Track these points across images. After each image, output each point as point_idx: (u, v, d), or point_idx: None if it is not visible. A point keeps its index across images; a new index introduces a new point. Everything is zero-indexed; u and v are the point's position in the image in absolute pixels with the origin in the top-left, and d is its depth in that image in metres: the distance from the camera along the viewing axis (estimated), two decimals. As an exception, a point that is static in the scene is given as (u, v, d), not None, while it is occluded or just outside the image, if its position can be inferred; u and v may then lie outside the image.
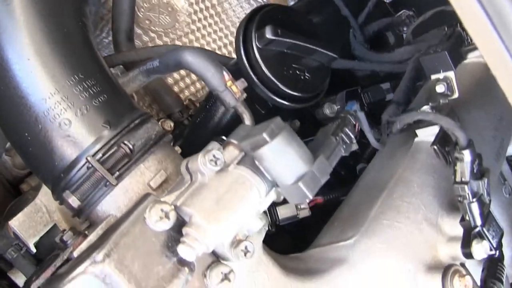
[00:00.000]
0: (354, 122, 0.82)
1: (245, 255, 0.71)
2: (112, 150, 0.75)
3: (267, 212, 1.15)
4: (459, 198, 0.83)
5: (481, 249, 0.85)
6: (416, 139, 1.03)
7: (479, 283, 0.92)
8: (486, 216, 0.87)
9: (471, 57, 1.19)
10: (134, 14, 1.08)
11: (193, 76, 1.32)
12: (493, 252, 0.88)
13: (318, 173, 0.70)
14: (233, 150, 0.75)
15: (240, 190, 0.71)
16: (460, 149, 0.81)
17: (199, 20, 1.42)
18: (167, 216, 0.68)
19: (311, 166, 0.70)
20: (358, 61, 1.23)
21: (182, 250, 0.67)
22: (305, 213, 1.13)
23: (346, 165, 1.30)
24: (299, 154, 0.70)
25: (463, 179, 0.82)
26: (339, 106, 1.31)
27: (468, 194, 0.81)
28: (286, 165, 0.70)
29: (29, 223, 0.91)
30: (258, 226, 0.81)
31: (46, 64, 0.76)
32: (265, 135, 0.69)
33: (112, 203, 0.77)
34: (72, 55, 0.79)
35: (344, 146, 0.78)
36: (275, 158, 0.69)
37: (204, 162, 0.71)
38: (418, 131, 1.02)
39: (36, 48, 0.76)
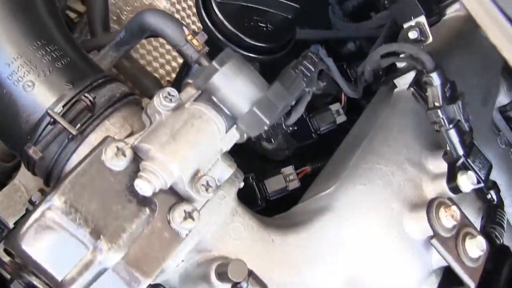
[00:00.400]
0: (316, 60, 0.81)
1: (206, 190, 0.69)
2: (74, 104, 0.75)
3: (256, 188, 1.13)
4: (436, 127, 0.80)
5: (467, 181, 0.80)
6: (395, 90, 1.01)
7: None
8: (470, 147, 0.83)
9: (450, 12, 1.17)
10: (108, 4, 1.12)
11: (167, 56, 1.34)
12: (481, 184, 0.84)
13: (273, 98, 0.69)
14: (190, 90, 0.74)
15: (196, 124, 0.70)
16: (428, 72, 0.78)
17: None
18: (123, 153, 0.67)
19: (265, 91, 0.69)
20: (335, 30, 1.23)
21: (139, 184, 0.65)
22: (294, 184, 1.10)
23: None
24: (251, 79, 0.69)
25: (435, 104, 0.78)
26: (324, 83, 1.29)
27: (443, 119, 0.78)
28: (239, 91, 0.69)
29: (8, 203, 0.91)
30: (227, 173, 0.79)
31: (8, 30, 0.79)
32: (214, 63, 0.68)
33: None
34: (35, 22, 0.81)
35: (305, 79, 0.76)
36: (227, 85, 0.68)
37: (159, 101, 0.71)
38: (396, 81, 1.00)
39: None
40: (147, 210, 0.68)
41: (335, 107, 1.24)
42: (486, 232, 0.88)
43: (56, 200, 0.64)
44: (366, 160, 0.87)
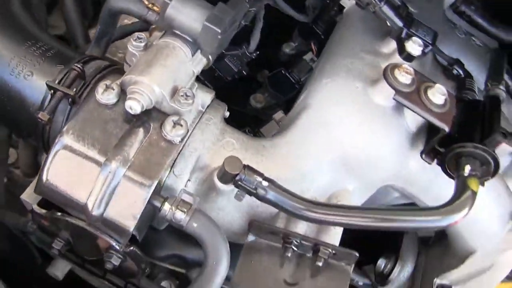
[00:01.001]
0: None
1: (186, 99, 0.81)
2: (67, 74, 0.89)
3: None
4: (371, 9, 0.91)
5: (414, 45, 0.90)
6: (344, 10, 1.13)
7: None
8: (410, 20, 0.94)
9: None
10: (82, 20, 1.30)
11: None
12: (429, 47, 0.93)
13: (219, 13, 0.82)
14: (155, 33, 0.88)
15: (165, 52, 0.83)
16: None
17: None
18: (110, 87, 0.80)
19: (212, 11, 0.83)
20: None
21: (129, 104, 0.78)
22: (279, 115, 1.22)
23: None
24: (198, 4, 0.83)
25: (362, -10, 0.90)
26: (296, 44, 1.43)
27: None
28: (190, 15, 0.83)
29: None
30: (207, 98, 0.91)
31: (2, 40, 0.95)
32: (165, 0, 0.83)
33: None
34: (20, 29, 0.98)
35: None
36: (179, 14, 0.82)
37: (132, 45, 0.85)
38: (342, 2, 1.13)
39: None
40: (141, 127, 0.80)
41: (308, 56, 1.36)
42: (459, 98, 0.96)
43: (65, 136, 0.77)
44: (328, 62, 0.99)
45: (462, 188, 0.80)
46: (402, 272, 1.19)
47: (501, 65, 1.04)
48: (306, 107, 0.93)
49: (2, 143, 1.18)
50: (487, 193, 0.99)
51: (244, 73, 1.14)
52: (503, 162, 1.02)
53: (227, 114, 0.96)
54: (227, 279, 0.84)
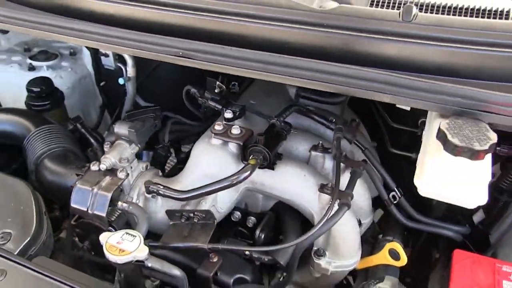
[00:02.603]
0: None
1: (127, 163, 1.84)
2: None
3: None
4: (202, 101, 1.95)
5: (227, 114, 1.90)
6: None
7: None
8: (225, 103, 1.95)
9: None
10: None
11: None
12: (237, 113, 1.92)
13: (136, 126, 1.91)
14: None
15: (118, 145, 1.91)
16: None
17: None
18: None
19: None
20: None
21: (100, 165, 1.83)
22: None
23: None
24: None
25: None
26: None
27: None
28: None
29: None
30: (144, 164, 1.94)
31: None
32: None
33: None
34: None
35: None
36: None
37: (105, 146, 1.94)
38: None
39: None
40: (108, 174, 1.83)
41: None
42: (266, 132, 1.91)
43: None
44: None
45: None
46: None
47: (286, 109, 1.97)
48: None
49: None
50: (298, 176, 1.83)
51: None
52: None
53: (160, 173, 1.97)
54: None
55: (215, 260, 1.68)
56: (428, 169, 1.43)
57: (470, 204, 1.42)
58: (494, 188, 2.11)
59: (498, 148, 2.01)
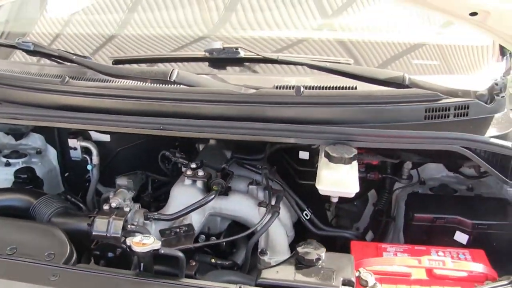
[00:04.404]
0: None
1: (128, 206, 2.67)
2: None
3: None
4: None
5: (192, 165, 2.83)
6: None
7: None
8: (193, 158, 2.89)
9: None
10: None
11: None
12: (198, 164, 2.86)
13: (130, 178, 2.77)
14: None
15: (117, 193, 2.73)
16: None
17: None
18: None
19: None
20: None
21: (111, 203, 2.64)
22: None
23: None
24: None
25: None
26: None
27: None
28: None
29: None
30: (138, 208, 2.79)
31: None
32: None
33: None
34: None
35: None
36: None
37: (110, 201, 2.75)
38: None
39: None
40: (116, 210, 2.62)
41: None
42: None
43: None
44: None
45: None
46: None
47: (229, 161, 2.96)
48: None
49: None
50: (245, 199, 2.77)
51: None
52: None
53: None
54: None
55: (193, 264, 2.52)
56: (323, 176, 2.45)
57: (350, 192, 2.42)
58: (376, 212, 3.24)
59: (368, 175, 3.15)
